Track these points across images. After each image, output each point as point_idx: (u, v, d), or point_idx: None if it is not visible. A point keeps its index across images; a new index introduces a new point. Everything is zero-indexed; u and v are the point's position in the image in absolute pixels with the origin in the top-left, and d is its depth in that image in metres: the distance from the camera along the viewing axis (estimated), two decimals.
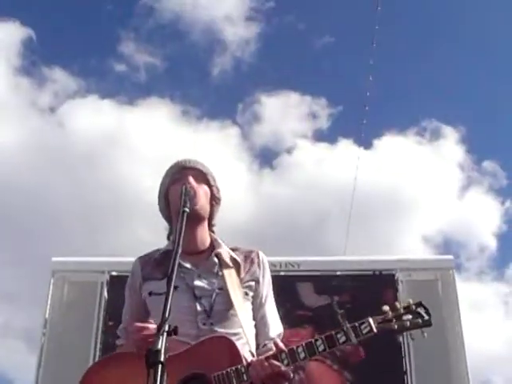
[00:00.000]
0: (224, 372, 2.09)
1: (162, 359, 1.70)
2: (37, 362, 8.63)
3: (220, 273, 2.39)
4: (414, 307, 2.15)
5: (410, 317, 2.13)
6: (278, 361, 2.09)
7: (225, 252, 2.45)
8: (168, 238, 2.46)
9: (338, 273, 8.81)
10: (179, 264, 2.35)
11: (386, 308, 2.15)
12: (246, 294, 2.42)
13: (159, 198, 2.51)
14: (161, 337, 1.75)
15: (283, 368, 2.08)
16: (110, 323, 8.10)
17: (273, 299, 2.53)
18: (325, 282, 8.72)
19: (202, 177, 2.47)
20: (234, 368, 2.09)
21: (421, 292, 9.02)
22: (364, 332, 2.13)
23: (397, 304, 2.16)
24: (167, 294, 1.88)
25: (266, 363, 2.08)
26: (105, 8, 20.68)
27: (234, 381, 2.07)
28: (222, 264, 2.42)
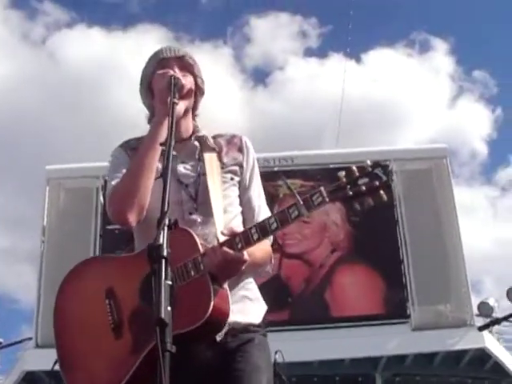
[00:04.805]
0: (182, 264, 2.04)
1: (165, 254, 1.67)
2: (38, 270, 8.75)
3: (201, 157, 2.36)
4: (370, 169, 1.93)
5: (366, 180, 1.92)
6: (232, 246, 2.03)
7: (207, 136, 2.43)
8: (149, 123, 2.42)
9: (331, 166, 8.85)
10: (163, 150, 2.31)
11: (341, 174, 1.94)
12: (232, 178, 2.37)
13: (141, 85, 2.44)
14: (161, 231, 1.71)
15: (233, 254, 2.01)
16: (108, 227, 8.15)
17: (259, 184, 2.45)
18: (317, 175, 8.74)
19: (187, 66, 2.41)
20: (191, 258, 2.05)
21: (415, 182, 9.08)
22: (316, 203, 1.94)
23: (353, 168, 1.94)
24: (164, 186, 1.83)
25: (219, 250, 2.04)
26: None
27: (192, 272, 2.03)
28: (204, 147, 2.38)
